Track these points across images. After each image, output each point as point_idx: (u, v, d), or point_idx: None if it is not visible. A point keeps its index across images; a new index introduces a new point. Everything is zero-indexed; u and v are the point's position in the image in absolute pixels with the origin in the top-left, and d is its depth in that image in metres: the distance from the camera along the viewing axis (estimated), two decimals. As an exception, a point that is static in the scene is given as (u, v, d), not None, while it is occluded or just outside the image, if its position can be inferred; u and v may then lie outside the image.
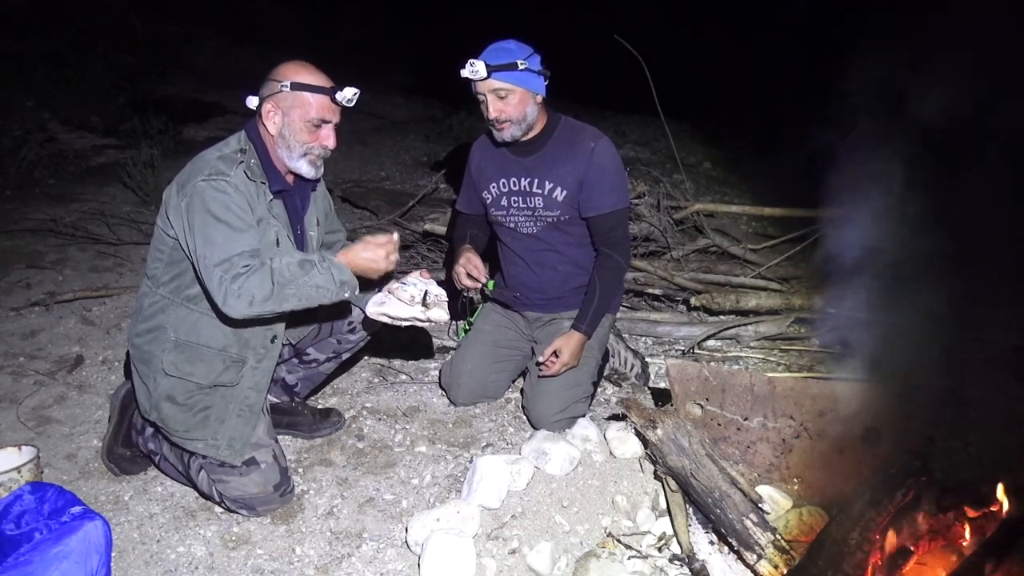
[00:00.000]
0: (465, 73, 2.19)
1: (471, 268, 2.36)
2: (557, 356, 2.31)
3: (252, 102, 1.96)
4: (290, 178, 2.01)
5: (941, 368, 1.73)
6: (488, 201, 2.47)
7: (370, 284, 2.05)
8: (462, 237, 2.54)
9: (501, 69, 2.17)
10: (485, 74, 2.16)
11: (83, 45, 6.77)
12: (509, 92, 2.20)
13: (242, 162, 1.88)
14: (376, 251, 1.92)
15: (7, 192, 4.78)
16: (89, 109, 6.33)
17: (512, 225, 2.44)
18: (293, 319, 2.20)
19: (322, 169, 2.03)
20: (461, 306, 2.62)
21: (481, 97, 2.24)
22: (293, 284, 1.79)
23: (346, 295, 1.89)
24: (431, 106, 7.97)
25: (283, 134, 1.92)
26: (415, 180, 5.30)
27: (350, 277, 1.88)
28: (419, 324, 2.06)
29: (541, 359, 2.35)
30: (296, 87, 1.89)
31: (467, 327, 2.63)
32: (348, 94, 1.94)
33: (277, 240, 1.93)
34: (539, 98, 2.27)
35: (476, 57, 2.18)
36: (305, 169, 1.97)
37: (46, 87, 6.29)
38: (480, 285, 2.40)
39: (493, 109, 2.22)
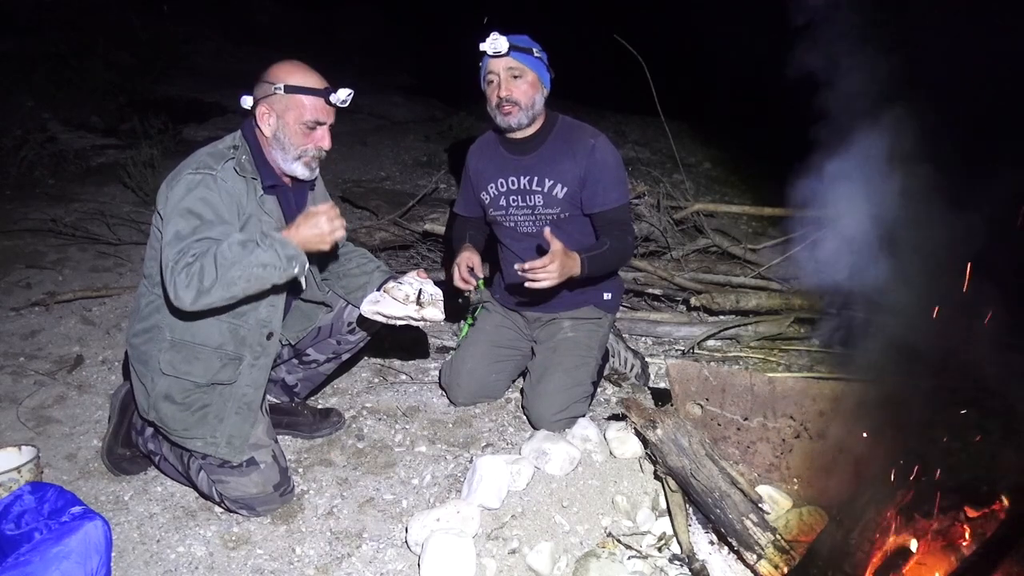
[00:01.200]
0: (485, 46, 2.20)
1: (472, 265, 2.36)
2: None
3: (247, 102, 1.96)
4: (286, 177, 2.01)
5: (941, 367, 1.73)
6: (487, 202, 2.47)
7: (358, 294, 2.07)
8: (461, 239, 2.55)
9: (519, 50, 2.21)
10: (506, 49, 2.19)
11: (83, 45, 6.77)
12: (523, 73, 2.23)
13: (232, 158, 1.88)
14: (316, 219, 1.83)
15: (7, 192, 4.78)
16: (89, 109, 6.33)
17: (512, 224, 2.44)
18: (292, 323, 2.20)
19: (317, 170, 2.03)
20: (463, 306, 2.62)
21: (492, 77, 2.25)
22: (237, 265, 1.71)
23: (295, 271, 1.80)
24: (431, 106, 7.97)
25: (278, 136, 1.91)
26: (415, 180, 5.30)
27: (297, 252, 1.79)
28: (414, 323, 2.06)
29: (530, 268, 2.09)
30: (290, 89, 1.88)
31: (471, 322, 2.63)
32: (342, 95, 1.93)
33: None
34: (546, 91, 2.30)
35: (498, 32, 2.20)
36: (300, 171, 1.96)
37: (46, 87, 6.29)
38: (473, 286, 2.39)
39: (504, 88, 2.23)
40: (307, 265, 1.84)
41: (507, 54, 2.20)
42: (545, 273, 2.07)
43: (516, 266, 2.12)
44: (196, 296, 1.71)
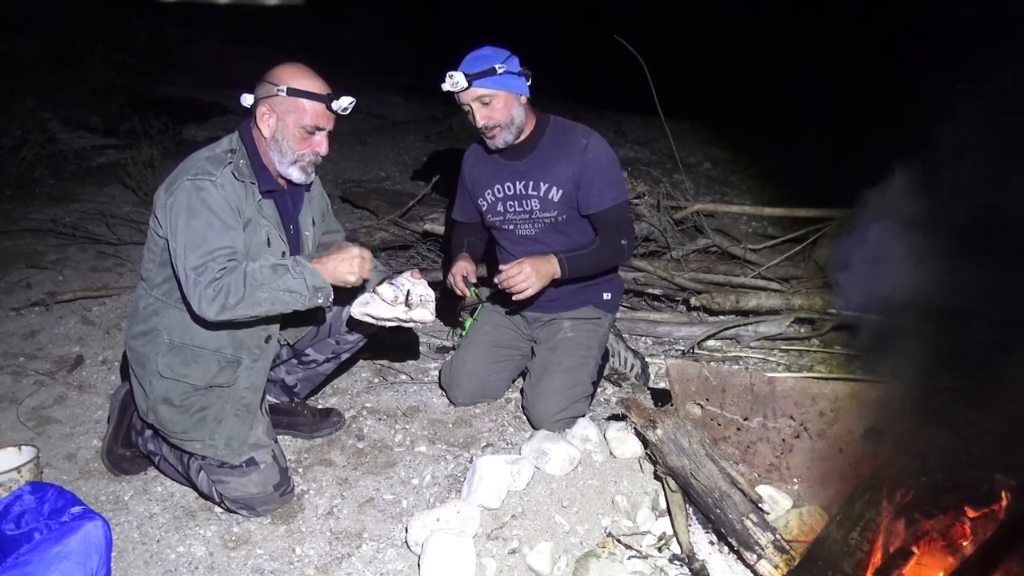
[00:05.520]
0: (446, 87, 2.20)
1: (465, 274, 2.36)
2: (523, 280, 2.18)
3: (247, 100, 1.95)
4: (281, 179, 2.01)
5: (942, 368, 1.73)
6: (484, 208, 2.47)
7: (347, 292, 2.05)
8: (459, 245, 2.55)
9: (480, 76, 2.18)
10: (466, 84, 2.18)
11: (83, 45, 6.78)
12: (492, 97, 2.21)
13: (230, 162, 1.87)
14: (349, 258, 1.91)
15: (7, 192, 4.78)
16: (89, 109, 6.33)
17: (511, 228, 2.44)
18: (288, 321, 2.20)
19: (313, 175, 2.03)
20: (459, 307, 2.62)
21: (466, 108, 2.25)
22: (265, 287, 1.78)
23: (319, 301, 1.86)
24: (431, 106, 7.97)
25: (276, 138, 1.91)
26: (415, 180, 5.31)
27: (324, 284, 1.86)
28: (403, 325, 2.05)
29: (504, 270, 2.19)
30: (292, 92, 1.88)
31: (471, 322, 2.63)
32: (344, 103, 1.93)
33: (268, 240, 1.93)
34: (523, 99, 2.28)
35: (454, 69, 2.19)
36: (296, 175, 1.96)
37: (46, 87, 6.29)
38: (467, 294, 2.37)
39: (480, 117, 2.23)
40: (331, 296, 1.89)
41: (470, 86, 2.19)
42: (523, 278, 2.14)
43: (497, 280, 2.18)
44: (220, 310, 1.76)
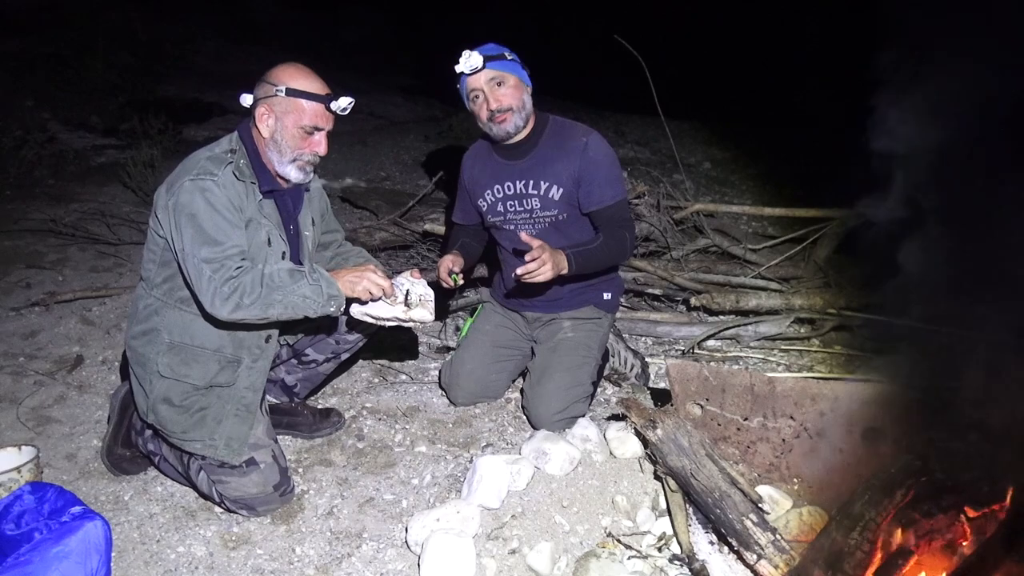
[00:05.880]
0: (461, 66, 2.21)
1: (451, 266, 2.35)
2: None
3: (246, 100, 1.96)
4: (281, 179, 2.01)
5: (942, 368, 1.73)
6: (484, 209, 2.47)
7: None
8: (452, 245, 2.55)
9: (493, 59, 2.22)
10: (481, 64, 2.19)
11: (83, 45, 6.78)
12: (504, 79, 2.24)
13: (231, 162, 1.88)
14: (363, 274, 1.94)
15: (7, 192, 4.78)
16: (89, 109, 6.34)
17: (511, 228, 2.44)
18: (285, 325, 2.20)
19: (312, 175, 2.04)
20: (456, 306, 2.60)
21: (476, 94, 2.25)
22: (281, 290, 1.80)
23: (331, 310, 1.89)
24: (431, 106, 7.99)
25: (275, 138, 1.92)
26: (415, 180, 5.31)
27: (338, 292, 1.89)
28: (403, 324, 2.06)
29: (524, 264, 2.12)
30: (291, 93, 1.89)
31: (471, 322, 2.62)
32: (343, 103, 1.94)
33: (269, 240, 1.93)
34: (529, 88, 2.31)
35: (470, 50, 2.20)
36: (294, 175, 1.97)
37: (46, 87, 6.30)
38: (451, 284, 2.36)
39: (492, 99, 2.23)
40: (343, 306, 1.92)
41: (483, 67, 2.20)
42: (539, 264, 2.09)
43: (514, 274, 2.15)
44: (234, 309, 1.78)
